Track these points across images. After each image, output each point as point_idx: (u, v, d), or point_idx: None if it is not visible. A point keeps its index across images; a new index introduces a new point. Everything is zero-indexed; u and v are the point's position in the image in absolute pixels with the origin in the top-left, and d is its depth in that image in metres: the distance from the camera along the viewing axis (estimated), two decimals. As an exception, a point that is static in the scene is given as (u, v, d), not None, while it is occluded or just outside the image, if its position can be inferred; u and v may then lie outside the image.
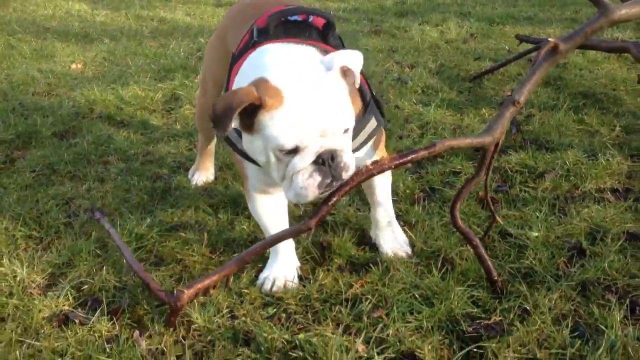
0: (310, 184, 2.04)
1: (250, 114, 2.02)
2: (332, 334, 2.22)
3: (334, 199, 2.11)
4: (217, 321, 2.33)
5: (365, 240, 2.80)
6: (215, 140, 3.44)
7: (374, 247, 2.73)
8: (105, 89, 4.88)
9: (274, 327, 2.26)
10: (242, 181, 2.52)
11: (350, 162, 2.10)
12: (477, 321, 2.25)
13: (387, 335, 2.21)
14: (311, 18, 2.46)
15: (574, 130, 3.91)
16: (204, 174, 3.43)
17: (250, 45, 2.37)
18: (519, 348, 2.13)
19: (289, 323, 2.31)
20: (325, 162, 2.04)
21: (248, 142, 2.14)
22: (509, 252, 2.64)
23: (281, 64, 2.12)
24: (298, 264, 2.60)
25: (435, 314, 2.28)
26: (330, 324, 2.29)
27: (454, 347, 2.18)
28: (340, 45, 2.55)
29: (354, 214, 2.98)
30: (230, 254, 2.73)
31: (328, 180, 2.06)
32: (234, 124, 2.05)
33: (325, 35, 2.47)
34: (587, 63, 5.28)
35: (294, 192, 2.08)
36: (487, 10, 7.80)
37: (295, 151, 2.02)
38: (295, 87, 2.03)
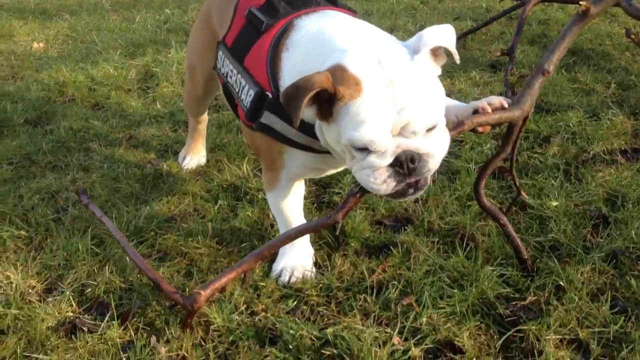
0: (383, 189, 1.86)
1: (328, 102, 1.84)
2: (363, 325, 2.10)
3: (362, 192, 1.96)
4: (236, 319, 2.18)
5: (378, 219, 2.67)
6: (207, 121, 3.25)
7: (391, 228, 2.61)
8: (74, 69, 4.61)
9: (299, 323, 2.12)
10: (269, 172, 2.32)
11: (433, 166, 1.88)
12: (513, 302, 2.16)
13: (421, 324, 2.09)
14: None
15: (569, 90, 3.82)
16: (195, 157, 3.24)
17: (263, 28, 2.18)
18: (559, 329, 2.04)
19: (314, 317, 2.18)
20: (404, 165, 1.83)
21: (325, 131, 1.94)
22: (531, 225, 2.54)
23: (358, 47, 1.89)
24: (313, 251, 2.45)
25: (467, 297, 2.17)
26: (358, 314, 2.17)
27: (492, 331, 2.08)
28: (346, 5, 2.39)
29: (361, 193, 2.84)
30: (238, 244, 2.58)
31: (403, 185, 1.87)
32: (310, 112, 1.87)
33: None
34: (567, 18, 5.19)
35: (367, 187, 1.90)
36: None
37: (367, 149, 1.83)
38: (376, 78, 1.80)
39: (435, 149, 1.87)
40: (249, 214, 2.74)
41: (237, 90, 2.26)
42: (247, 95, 2.18)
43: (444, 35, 1.88)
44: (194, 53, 2.89)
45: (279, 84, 2.09)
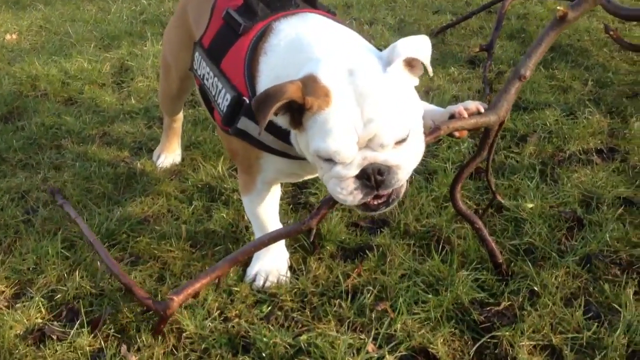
0: (349, 200, 1.84)
1: (299, 111, 1.82)
2: (337, 332, 2.08)
3: (334, 201, 1.93)
4: (208, 325, 2.15)
5: (354, 221, 2.65)
6: (182, 119, 3.19)
7: (367, 230, 2.59)
8: (47, 62, 4.52)
9: (273, 330, 2.10)
10: (245, 175, 2.29)
11: (403, 177, 1.85)
12: (487, 308, 2.15)
13: (395, 331, 2.08)
14: None
15: (546, 87, 3.81)
16: (170, 155, 3.19)
17: (240, 31, 2.14)
18: (533, 334, 2.04)
19: (288, 323, 2.16)
20: (371, 178, 1.81)
21: (299, 140, 1.93)
22: (507, 228, 2.53)
23: (332, 57, 1.86)
24: (288, 255, 2.43)
25: (442, 302, 2.16)
26: (332, 320, 2.15)
27: (466, 337, 2.07)
28: (325, 7, 2.35)
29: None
30: (212, 247, 2.54)
31: (370, 198, 1.85)
32: (283, 120, 1.86)
33: (312, 1, 2.27)
34: (547, 13, 5.19)
35: (335, 196, 1.88)
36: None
37: (332, 160, 1.81)
38: (346, 89, 1.78)
39: (405, 161, 1.84)
40: (224, 215, 2.71)
41: (213, 93, 2.21)
42: (223, 100, 2.13)
43: (418, 46, 1.84)
44: (168, 52, 2.83)
45: (256, 88, 2.05)
